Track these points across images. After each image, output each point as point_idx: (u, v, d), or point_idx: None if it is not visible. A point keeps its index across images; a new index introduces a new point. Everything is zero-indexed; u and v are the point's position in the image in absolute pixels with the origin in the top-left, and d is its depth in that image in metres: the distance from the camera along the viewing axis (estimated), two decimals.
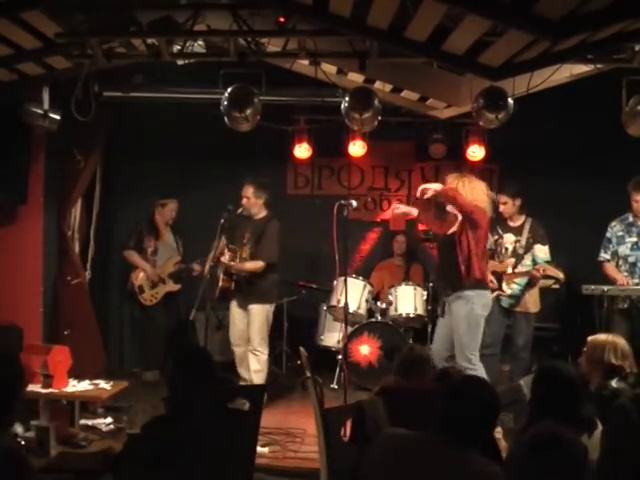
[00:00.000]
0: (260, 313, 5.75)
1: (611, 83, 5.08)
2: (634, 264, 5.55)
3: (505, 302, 5.89)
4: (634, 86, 5.05)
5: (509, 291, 5.82)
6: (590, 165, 6.82)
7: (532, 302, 5.89)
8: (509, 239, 5.95)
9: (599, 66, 4.90)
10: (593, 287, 5.39)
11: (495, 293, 5.88)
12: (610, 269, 5.62)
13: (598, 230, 5.80)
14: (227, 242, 5.73)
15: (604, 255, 5.67)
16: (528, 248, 5.85)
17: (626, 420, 2.83)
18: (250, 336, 5.75)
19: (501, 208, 5.92)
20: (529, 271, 5.77)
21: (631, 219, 5.63)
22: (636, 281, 5.48)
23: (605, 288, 5.37)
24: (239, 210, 5.75)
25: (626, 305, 5.49)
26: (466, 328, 4.86)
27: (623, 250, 5.61)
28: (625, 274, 5.55)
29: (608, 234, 5.70)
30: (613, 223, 5.70)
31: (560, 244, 6.07)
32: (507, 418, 3.85)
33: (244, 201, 5.77)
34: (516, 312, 5.89)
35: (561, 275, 5.59)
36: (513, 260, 5.86)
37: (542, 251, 5.80)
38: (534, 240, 5.85)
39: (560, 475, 2.58)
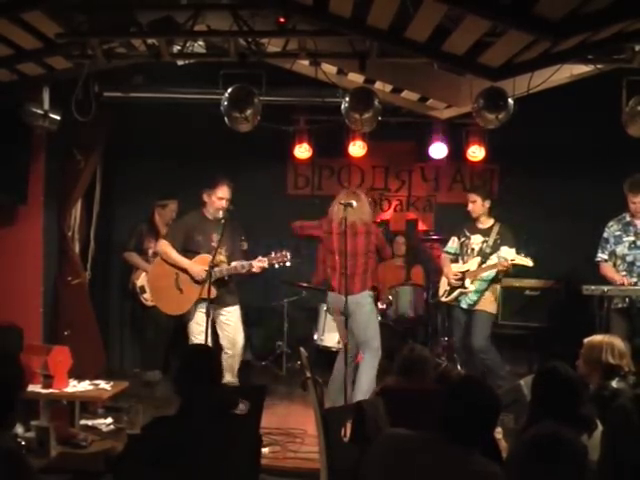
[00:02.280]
0: (239, 314, 5.70)
1: (611, 83, 5.08)
2: (632, 263, 5.55)
3: (464, 303, 5.90)
4: (634, 86, 5.05)
5: (472, 287, 5.83)
6: (590, 165, 6.82)
7: (490, 301, 5.86)
8: (476, 240, 5.95)
9: (599, 66, 4.90)
10: (593, 287, 5.38)
11: (456, 292, 5.89)
12: (608, 269, 5.62)
13: (598, 230, 5.79)
14: (192, 248, 5.52)
15: (601, 255, 5.68)
16: (495, 248, 5.84)
17: (626, 420, 2.83)
18: (236, 339, 5.60)
19: (470, 207, 5.96)
20: (496, 263, 5.75)
21: (628, 218, 5.63)
22: (634, 280, 5.48)
23: (605, 288, 5.37)
24: (220, 214, 5.42)
25: (625, 304, 5.49)
26: None
27: (621, 250, 5.60)
28: (623, 273, 5.55)
29: (605, 234, 5.69)
30: (610, 223, 5.70)
31: (560, 244, 6.07)
32: (507, 418, 3.85)
33: (226, 204, 5.46)
34: (474, 311, 5.86)
35: (530, 263, 5.60)
36: (479, 259, 5.87)
37: (508, 252, 5.75)
38: (502, 242, 5.85)
39: (560, 475, 2.58)
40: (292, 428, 5.14)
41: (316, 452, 3.73)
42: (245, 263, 5.43)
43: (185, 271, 5.47)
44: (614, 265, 5.63)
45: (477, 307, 5.87)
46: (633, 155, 5.66)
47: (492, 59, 4.38)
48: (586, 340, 3.70)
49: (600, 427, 2.97)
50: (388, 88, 5.89)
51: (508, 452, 3.12)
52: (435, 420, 2.46)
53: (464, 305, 5.91)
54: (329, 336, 6.64)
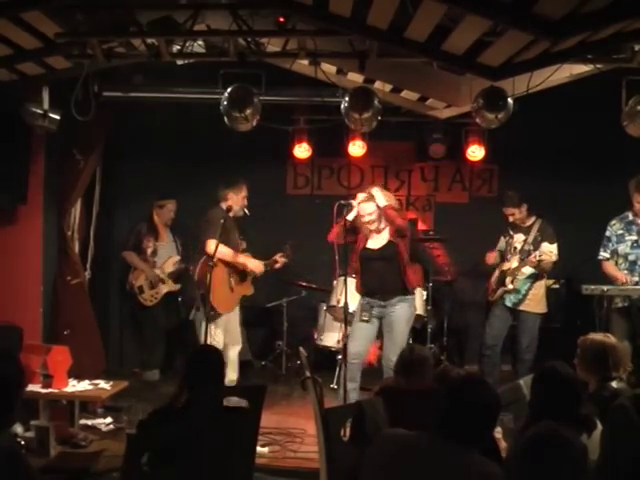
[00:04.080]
0: None
1: (611, 83, 5.08)
2: (634, 262, 5.55)
3: (509, 301, 5.97)
4: (634, 86, 5.05)
5: (511, 286, 5.91)
6: (590, 165, 6.82)
7: (536, 301, 5.96)
8: (519, 238, 6.06)
9: (599, 66, 4.90)
10: (593, 287, 5.38)
11: (500, 291, 5.95)
12: (610, 267, 5.63)
13: (598, 230, 5.79)
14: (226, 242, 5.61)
15: (603, 254, 5.69)
16: (536, 246, 5.91)
17: (625, 420, 2.83)
18: (239, 336, 5.81)
19: (511, 219, 6.07)
20: (526, 260, 5.83)
21: (631, 217, 5.63)
22: (636, 279, 5.49)
23: (605, 288, 5.37)
24: (243, 212, 5.71)
25: (625, 304, 5.49)
26: (406, 328, 5.27)
27: (623, 248, 5.61)
28: (625, 272, 5.56)
29: (607, 233, 5.71)
30: (613, 222, 5.71)
31: (560, 244, 6.07)
32: (507, 418, 3.84)
33: (246, 202, 5.76)
34: (520, 311, 5.97)
35: (554, 257, 5.69)
36: (518, 256, 5.95)
37: (548, 248, 5.84)
38: (542, 238, 5.92)
39: (560, 475, 2.57)
40: (292, 428, 5.15)
41: (316, 452, 3.72)
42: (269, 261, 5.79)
43: (237, 268, 5.58)
44: (616, 264, 5.64)
45: (522, 307, 5.97)
46: (633, 155, 5.66)
47: (492, 59, 4.38)
48: (583, 339, 3.64)
49: (600, 427, 2.97)
50: (388, 88, 5.89)
51: (508, 452, 3.12)
52: (435, 420, 2.45)
53: (508, 303, 5.99)
54: (329, 336, 6.63)
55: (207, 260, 5.31)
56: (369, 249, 5.36)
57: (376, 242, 5.36)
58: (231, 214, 5.63)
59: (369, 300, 5.31)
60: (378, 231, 5.34)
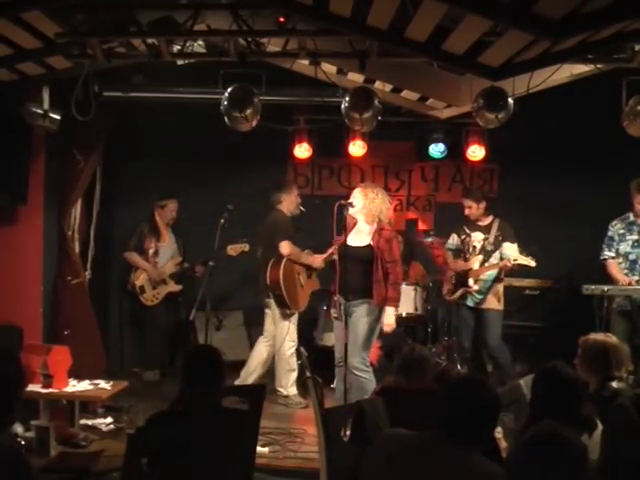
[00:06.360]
0: None
1: (611, 83, 5.08)
2: (634, 261, 5.59)
3: (471, 301, 5.99)
4: (634, 86, 5.04)
5: (476, 287, 5.89)
6: (590, 165, 6.81)
7: (497, 298, 5.96)
8: (477, 237, 6.05)
9: (599, 66, 4.90)
10: (593, 287, 5.39)
11: (460, 291, 5.94)
12: (614, 268, 5.64)
13: (598, 230, 5.80)
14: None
15: (608, 253, 5.70)
16: (497, 245, 5.95)
17: (626, 420, 2.83)
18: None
19: (466, 212, 6.08)
20: (498, 263, 5.85)
21: (632, 218, 5.67)
22: (636, 278, 5.51)
23: (605, 288, 5.37)
24: (298, 210, 6.06)
25: (627, 307, 5.48)
26: (365, 329, 5.11)
27: (624, 248, 5.65)
28: (625, 271, 5.59)
29: (610, 233, 5.73)
30: (614, 222, 5.73)
31: (560, 244, 6.08)
32: (507, 418, 3.85)
33: (299, 200, 6.16)
34: (483, 310, 5.96)
35: (533, 263, 5.65)
36: (481, 257, 5.96)
37: (511, 248, 5.87)
38: (503, 238, 5.95)
39: (560, 475, 2.58)
40: (292, 428, 5.15)
41: (316, 452, 3.73)
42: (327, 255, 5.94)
43: (305, 266, 5.98)
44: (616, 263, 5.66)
45: (484, 306, 5.96)
46: (633, 155, 5.66)
47: (492, 59, 4.38)
48: (584, 339, 3.64)
49: (600, 427, 2.97)
50: (388, 88, 5.89)
51: (508, 452, 3.12)
52: (435, 420, 2.45)
53: (470, 303, 6.00)
54: (329, 336, 6.62)
55: (278, 261, 5.76)
56: (347, 246, 5.17)
57: (355, 240, 5.22)
58: (289, 214, 5.92)
59: (339, 297, 5.21)
60: (354, 223, 5.24)
